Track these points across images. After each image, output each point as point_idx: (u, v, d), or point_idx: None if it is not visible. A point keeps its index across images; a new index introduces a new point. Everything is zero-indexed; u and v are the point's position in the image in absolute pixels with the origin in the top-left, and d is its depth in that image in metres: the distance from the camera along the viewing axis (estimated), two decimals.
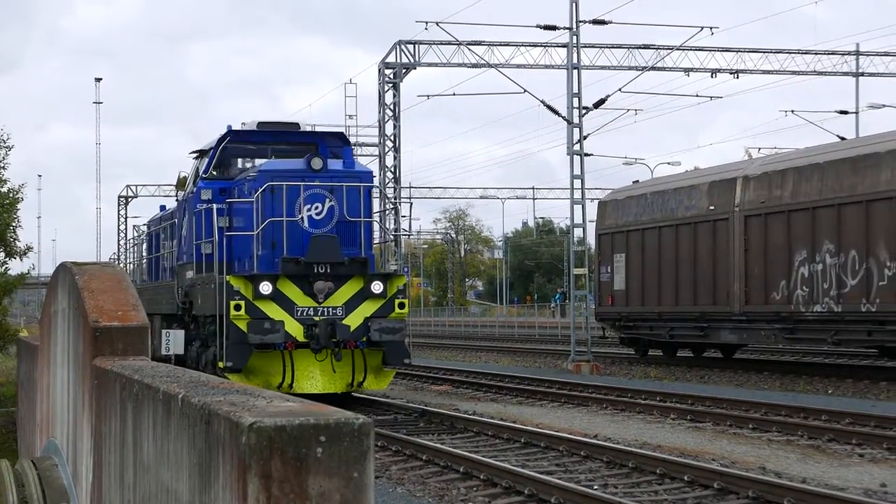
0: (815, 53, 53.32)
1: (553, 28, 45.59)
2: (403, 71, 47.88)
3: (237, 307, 22.77)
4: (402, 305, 24.41)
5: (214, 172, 27.46)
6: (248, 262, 24.64)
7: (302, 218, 23.72)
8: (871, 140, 33.87)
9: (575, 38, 44.40)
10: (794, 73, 53.02)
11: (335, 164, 24.83)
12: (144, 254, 40.34)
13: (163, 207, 41.14)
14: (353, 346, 23.45)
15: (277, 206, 23.70)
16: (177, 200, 31.51)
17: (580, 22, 44.47)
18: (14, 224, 34.53)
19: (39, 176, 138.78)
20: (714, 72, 51.14)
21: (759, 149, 62.18)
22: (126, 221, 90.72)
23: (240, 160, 28.88)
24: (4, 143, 35.81)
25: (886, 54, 54.25)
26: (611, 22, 46.78)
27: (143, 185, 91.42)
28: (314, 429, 5.77)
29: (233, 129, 27.26)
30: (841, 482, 14.07)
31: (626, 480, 14.93)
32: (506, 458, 16.74)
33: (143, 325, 11.91)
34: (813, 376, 33.06)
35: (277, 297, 23.15)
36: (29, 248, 37.95)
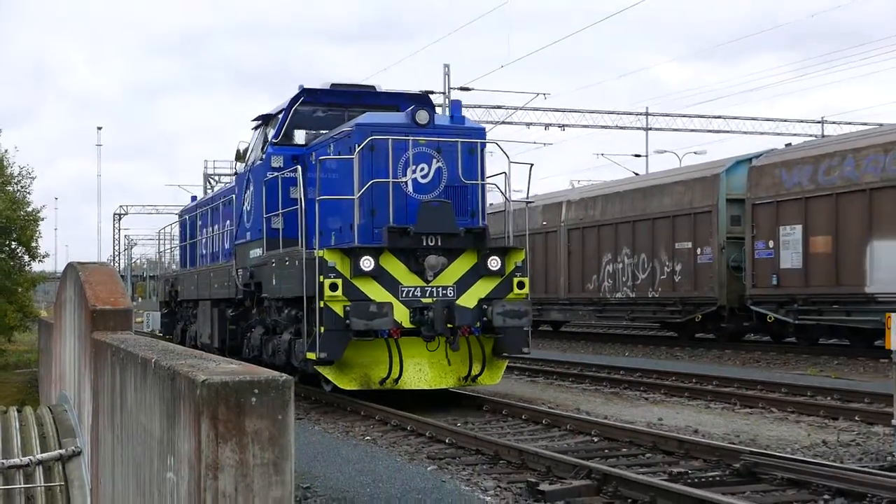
0: (619, 113, 54.76)
1: (430, 93, 45.75)
2: None
3: (333, 287, 14.97)
4: (521, 285, 16.23)
5: (286, 138, 18.86)
6: (337, 236, 16.62)
7: (405, 182, 15.67)
8: (656, 176, 34.96)
9: (447, 100, 44.77)
10: (603, 127, 54.23)
11: (442, 119, 16.78)
12: (177, 243, 29.53)
13: (194, 198, 31.40)
14: (466, 332, 15.33)
15: (378, 166, 15.52)
16: (235, 174, 22.39)
17: (451, 88, 45.09)
18: (36, 236, 33.26)
19: (56, 198, 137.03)
20: (547, 125, 52.10)
21: (579, 181, 62.96)
22: (119, 232, 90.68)
23: (305, 132, 19.45)
24: (29, 174, 34.74)
25: (667, 115, 55.65)
26: (473, 88, 47.94)
27: (132, 205, 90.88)
28: (249, 384, 5.83)
29: (306, 87, 18.81)
30: (632, 418, 14.33)
31: (480, 419, 14.97)
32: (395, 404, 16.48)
33: (128, 308, 11.83)
34: (615, 343, 33.45)
35: (379, 275, 15.27)
36: (46, 255, 37.07)
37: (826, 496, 8.83)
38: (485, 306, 15.37)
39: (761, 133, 56.37)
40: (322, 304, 14.85)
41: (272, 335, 17.95)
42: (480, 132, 16.79)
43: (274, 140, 18.03)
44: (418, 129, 15.75)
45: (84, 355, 12.08)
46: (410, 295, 15.31)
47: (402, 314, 15.12)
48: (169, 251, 29.77)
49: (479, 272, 15.70)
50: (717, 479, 9.75)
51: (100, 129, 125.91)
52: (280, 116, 18.37)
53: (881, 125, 29.00)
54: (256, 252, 18.82)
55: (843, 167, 23.18)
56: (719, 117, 56.19)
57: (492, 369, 16.38)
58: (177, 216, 29.64)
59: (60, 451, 12.39)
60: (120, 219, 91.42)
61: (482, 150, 16.57)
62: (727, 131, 56.79)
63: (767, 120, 57.44)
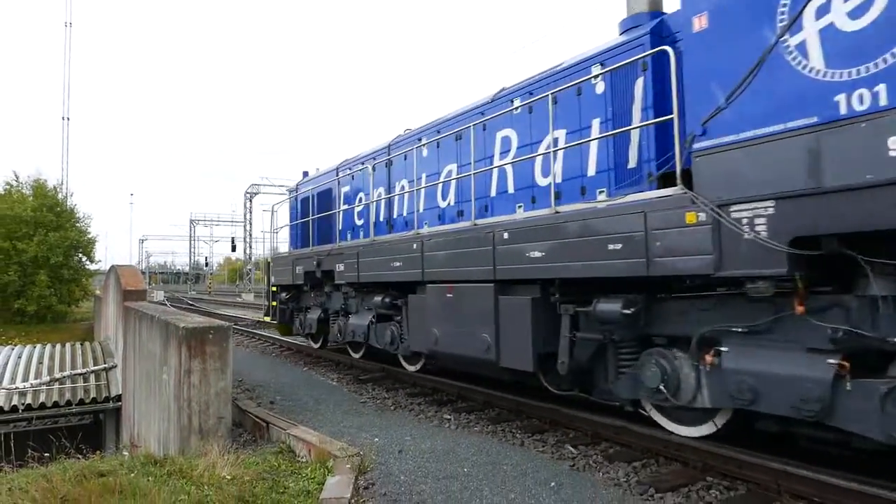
0: None
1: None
2: (254, 195, 45.92)
3: None
4: None
5: None
6: None
7: None
8: None
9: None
10: None
11: None
12: (306, 218, 11.44)
13: (305, 173, 12.99)
14: None
15: None
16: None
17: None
18: (93, 251, 32.47)
19: (106, 231, 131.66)
20: None
21: None
22: (142, 249, 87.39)
23: None
24: (89, 216, 34.07)
25: None
26: None
27: (151, 234, 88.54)
28: (208, 328, 5.98)
29: None
30: None
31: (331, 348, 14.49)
32: (295, 338, 15.05)
33: (144, 289, 11.65)
34: None
35: None
36: (99, 261, 35.64)
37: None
38: None
39: None
40: None
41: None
42: None
43: None
44: None
45: (119, 313, 11.62)
46: None
47: None
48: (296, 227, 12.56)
49: None
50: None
51: (132, 194, 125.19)
52: None
53: None
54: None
55: None
56: None
57: None
58: (287, 192, 13.71)
59: (105, 364, 11.86)
60: (142, 242, 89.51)
61: None
62: None
63: None
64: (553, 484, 4.65)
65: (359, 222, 9.58)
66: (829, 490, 4.03)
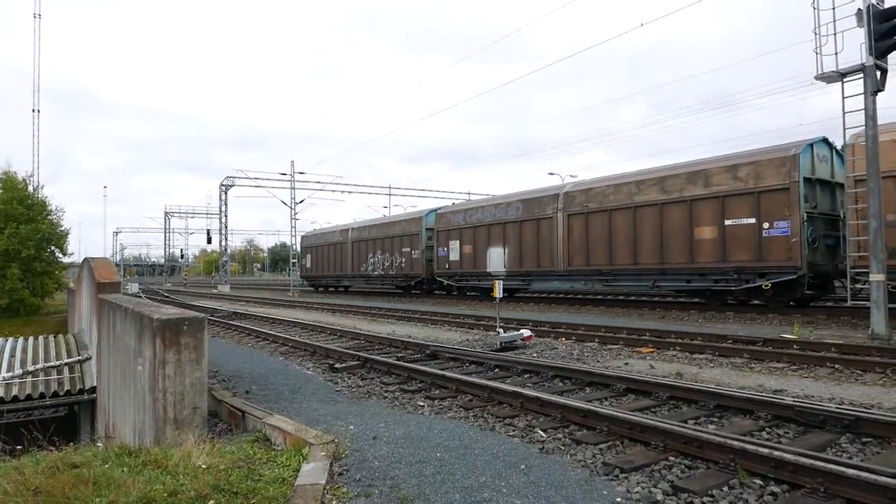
0: (375, 186, 53.61)
1: (288, 173, 44.23)
2: (229, 187, 45.02)
3: None
4: None
5: None
6: None
7: None
8: (393, 217, 32.35)
9: (293, 177, 43.30)
10: (369, 193, 52.92)
11: None
12: None
13: None
14: None
15: None
16: None
17: (298, 172, 43.38)
18: (66, 244, 31.21)
19: (80, 223, 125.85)
20: (342, 192, 50.38)
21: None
22: (116, 242, 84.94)
23: None
24: (61, 209, 32.30)
25: (405, 188, 55.18)
26: (309, 172, 45.18)
27: (124, 227, 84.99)
28: (182, 319, 5.79)
29: None
30: (379, 330, 13.56)
31: (306, 333, 13.81)
32: (271, 328, 15.38)
33: (118, 282, 11.14)
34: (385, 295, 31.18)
35: None
36: (72, 253, 34.36)
37: (467, 364, 9.40)
38: None
39: (444, 197, 57.31)
40: None
41: None
42: None
43: None
44: None
45: (93, 306, 11.27)
46: None
47: None
48: None
49: None
50: (418, 359, 9.93)
51: (105, 186, 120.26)
52: None
53: (493, 195, 30.44)
54: None
55: (476, 214, 24.54)
56: (429, 189, 56.79)
57: None
58: None
59: (79, 357, 11.51)
60: (116, 235, 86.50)
61: None
62: (428, 197, 57.52)
63: (448, 191, 58.17)
64: (523, 466, 4.65)
65: None
66: (785, 467, 4.14)
